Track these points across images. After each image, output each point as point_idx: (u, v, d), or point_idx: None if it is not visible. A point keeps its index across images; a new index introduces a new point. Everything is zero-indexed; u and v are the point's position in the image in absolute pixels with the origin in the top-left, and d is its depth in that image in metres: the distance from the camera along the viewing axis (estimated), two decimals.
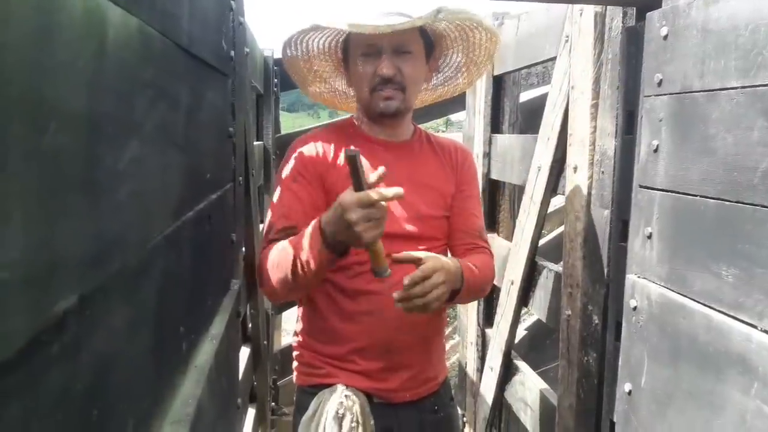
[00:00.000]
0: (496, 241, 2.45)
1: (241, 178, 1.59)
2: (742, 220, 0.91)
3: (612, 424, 1.41)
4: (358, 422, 1.34)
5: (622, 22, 1.39)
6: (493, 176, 2.48)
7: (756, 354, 0.87)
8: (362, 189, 1.15)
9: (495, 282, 2.38)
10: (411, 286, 1.23)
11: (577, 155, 1.60)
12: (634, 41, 1.32)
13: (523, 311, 2.24)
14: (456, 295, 1.37)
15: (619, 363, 1.27)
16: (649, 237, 1.16)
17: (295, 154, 1.46)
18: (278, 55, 3.14)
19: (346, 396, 1.36)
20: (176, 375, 0.83)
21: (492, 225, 2.58)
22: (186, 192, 0.86)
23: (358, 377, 1.42)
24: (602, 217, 1.47)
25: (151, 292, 0.68)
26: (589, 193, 1.53)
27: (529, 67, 2.30)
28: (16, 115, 0.35)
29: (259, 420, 2.55)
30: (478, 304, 2.53)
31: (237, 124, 1.47)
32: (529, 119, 2.45)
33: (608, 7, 1.45)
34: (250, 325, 2.45)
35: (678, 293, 1.06)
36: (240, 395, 1.57)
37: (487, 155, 2.50)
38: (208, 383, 0.91)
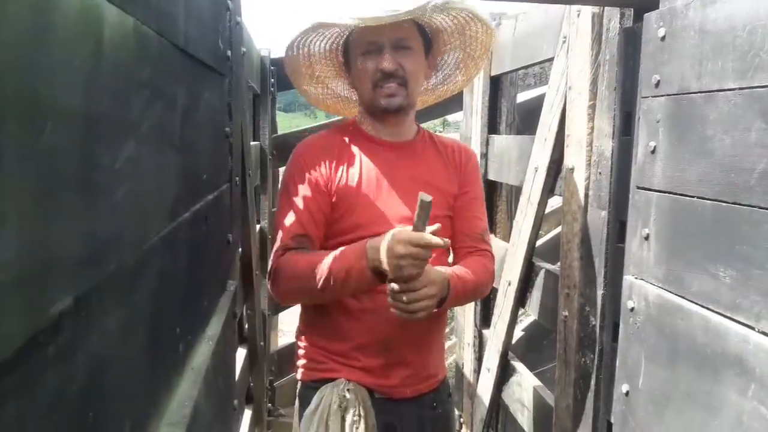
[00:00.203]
0: (493, 241, 2.45)
1: (237, 178, 1.58)
2: (739, 222, 0.91)
3: (609, 425, 1.41)
4: (360, 415, 1.37)
5: (620, 23, 1.39)
6: (490, 177, 2.48)
7: (753, 355, 0.87)
8: (420, 231, 1.28)
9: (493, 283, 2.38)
10: (396, 292, 1.31)
11: (574, 156, 1.60)
12: (631, 42, 1.32)
13: (520, 312, 2.24)
14: (443, 302, 1.39)
15: (617, 364, 1.27)
16: (647, 238, 1.16)
17: (300, 159, 1.49)
18: (275, 55, 3.13)
19: (348, 390, 1.40)
20: (173, 376, 0.83)
21: (489, 226, 2.57)
22: (182, 192, 0.86)
23: (360, 373, 1.44)
24: (599, 218, 1.47)
25: (147, 293, 0.68)
26: (587, 194, 1.53)
27: (526, 67, 2.30)
28: (11, 115, 0.35)
29: (255, 421, 2.55)
30: (475, 305, 2.53)
31: (234, 125, 1.46)
32: (526, 120, 2.45)
33: (606, 8, 1.45)
34: (246, 326, 2.44)
35: (675, 294, 1.06)
36: (236, 396, 1.57)
37: (484, 156, 2.50)
38: (204, 384, 0.90)
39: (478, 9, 1.48)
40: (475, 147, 2.56)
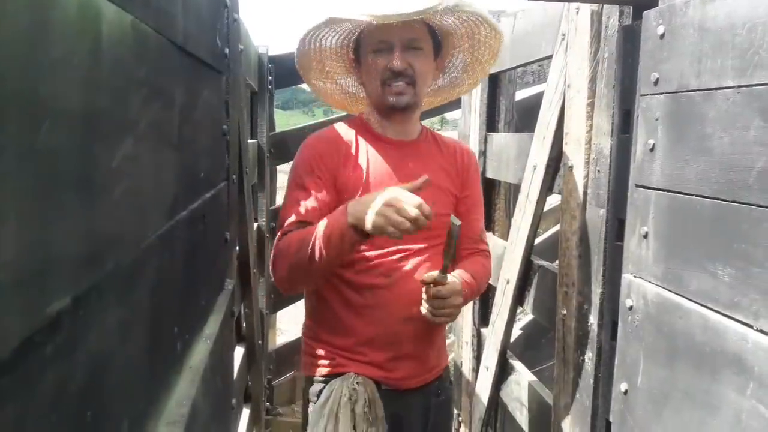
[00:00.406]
0: (491, 240, 2.45)
1: (235, 176, 1.58)
2: (738, 220, 0.91)
3: (608, 424, 1.41)
4: (369, 407, 1.42)
5: (619, 21, 1.39)
6: (489, 175, 2.48)
7: (752, 354, 0.87)
8: (449, 252, 1.41)
9: (491, 281, 2.38)
10: (433, 297, 1.42)
11: (573, 154, 1.60)
12: (630, 40, 1.32)
13: (518, 310, 2.24)
14: None
15: (615, 362, 1.28)
16: (645, 236, 1.16)
17: (308, 151, 1.52)
18: (273, 52, 3.13)
19: (357, 383, 1.44)
20: (171, 375, 0.82)
21: (488, 224, 2.58)
22: (180, 191, 0.86)
23: (367, 367, 1.49)
24: (598, 216, 1.46)
25: (145, 292, 0.68)
26: (585, 192, 1.53)
27: (525, 65, 2.30)
28: (8, 113, 0.35)
29: (253, 420, 2.55)
30: (474, 304, 2.53)
31: (231, 122, 1.46)
32: (525, 118, 2.45)
33: (605, 5, 1.45)
34: (244, 325, 2.44)
35: (674, 293, 1.06)
36: (235, 395, 1.57)
37: (483, 154, 2.50)
38: (202, 383, 0.90)
39: (487, 13, 1.52)
40: (474, 145, 2.55)
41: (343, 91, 1.73)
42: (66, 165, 0.44)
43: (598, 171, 1.47)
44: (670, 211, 1.09)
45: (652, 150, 1.14)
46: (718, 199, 0.96)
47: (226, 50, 1.37)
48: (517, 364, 2.19)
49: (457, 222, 1.36)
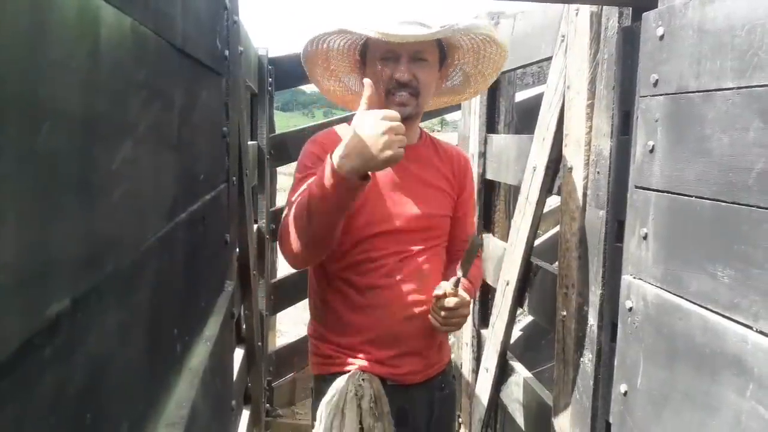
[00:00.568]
0: (491, 241, 2.45)
1: (234, 178, 1.58)
2: (737, 221, 0.91)
3: (608, 425, 1.41)
4: (375, 403, 1.46)
5: (618, 22, 1.39)
6: (489, 176, 2.48)
7: (751, 355, 0.87)
8: (466, 266, 1.49)
9: (491, 282, 2.38)
10: (441, 308, 1.47)
11: (572, 155, 1.60)
12: (630, 41, 1.32)
13: (518, 312, 2.24)
14: None
15: (615, 364, 1.27)
16: (645, 237, 1.16)
17: (311, 149, 1.55)
18: (273, 54, 3.13)
19: (363, 380, 1.48)
20: (170, 377, 0.82)
21: (487, 225, 2.58)
22: (179, 193, 0.86)
23: (373, 364, 1.53)
24: (598, 217, 1.46)
25: (144, 294, 0.68)
26: (585, 194, 1.53)
27: (524, 66, 2.30)
28: (8, 115, 0.35)
29: (253, 421, 2.55)
30: (474, 305, 2.53)
31: (231, 124, 1.46)
32: (525, 119, 2.45)
33: (604, 6, 1.45)
34: (244, 326, 2.44)
35: (674, 294, 1.06)
36: (234, 397, 1.57)
37: (483, 155, 2.50)
38: (202, 385, 0.90)
39: (496, 33, 1.56)
40: (474, 146, 2.55)
41: (346, 88, 1.76)
42: (66, 167, 0.44)
43: (598, 172, 1.47)
44: (669, 213, 1.09)
45: (651, 151, 1.14)
46: (718, 200, 0.96)
47: (226, 52, 1.37)
48: (517, 366, 2.19)
49: (479, 241, 1.42)
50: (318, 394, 1.57)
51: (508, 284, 2.11)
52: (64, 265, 0.45)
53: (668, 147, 1.10)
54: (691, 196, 1.02)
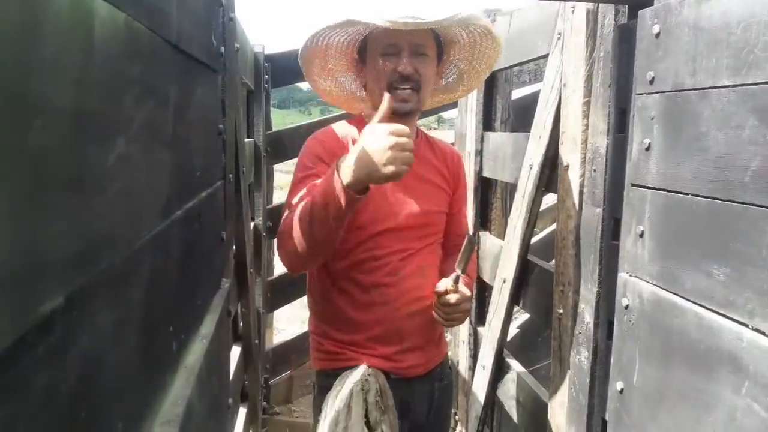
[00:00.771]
0: (488, 239, 2.45)
1: (231, 175, 1.58)
2: (733, 219, 0.91)
3: (604, 423, 1.41)
4: (380, 396, 1.50)
5: (615, 20, 1.39)
6: (485, 174, 2.48)
7: (747, 352, 0.87)
8: (462, 264, 1.50)
9: (487, 280, 2.38)
10: (444, 304, 1.51)
11: (569, 153, 1.60)
12: (626, 39, 1.32)
13: (515, 309, 2.24)
14: None
15: (611, 361, 1.28)
16: (641, 235, 1.16)
17: (311, 147, 1.56)
18: (269, 51, 3.12)
19: (368, 374, 1.51)
20: (166, 375, 0.82)
21: (484, 223, 2.58)
22: (175, 190, 0.85)
23: (377, 359, 1.56)
24: (594, 215, 1.47)
25: (139, 292, 0.68)
26: (581, 191, 1.53)
27: (521, 64, 2.30)
28: (0, 112, 0.35)
29: (250, 419, 2.55)
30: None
31: (227, 121, 1.46)
32: (521, 117, 2.45)
33: (600, 4, 1.45)
34: (241, 324, 2.44)
35: (669, 292, 1.07)
36: (231, 395, 1.57)
37: (479, 153, 2.50)
38: (198, 383, 0.90)
39: (493, 27, 1.58)
40: (470, 144, 2.55)
41: (341, 88, 1.76)
42: (58, 164, 0.44)
43: (594, 170, 1.47)
44: (665, 210, 1.09)
45: (647, 149, 1.14)
46: (714, 198, 0.96)
47: (222, 49, 1.37)
48: (513, 363, 2.20)
49: (475, 241, 1.47)
50: (321, 388, 1.59)
51: (504, 282, 2.11)
52: (58, 263, 0.44)
53: (664, 145, 1.10)
54: (687, 194, 1.02)
